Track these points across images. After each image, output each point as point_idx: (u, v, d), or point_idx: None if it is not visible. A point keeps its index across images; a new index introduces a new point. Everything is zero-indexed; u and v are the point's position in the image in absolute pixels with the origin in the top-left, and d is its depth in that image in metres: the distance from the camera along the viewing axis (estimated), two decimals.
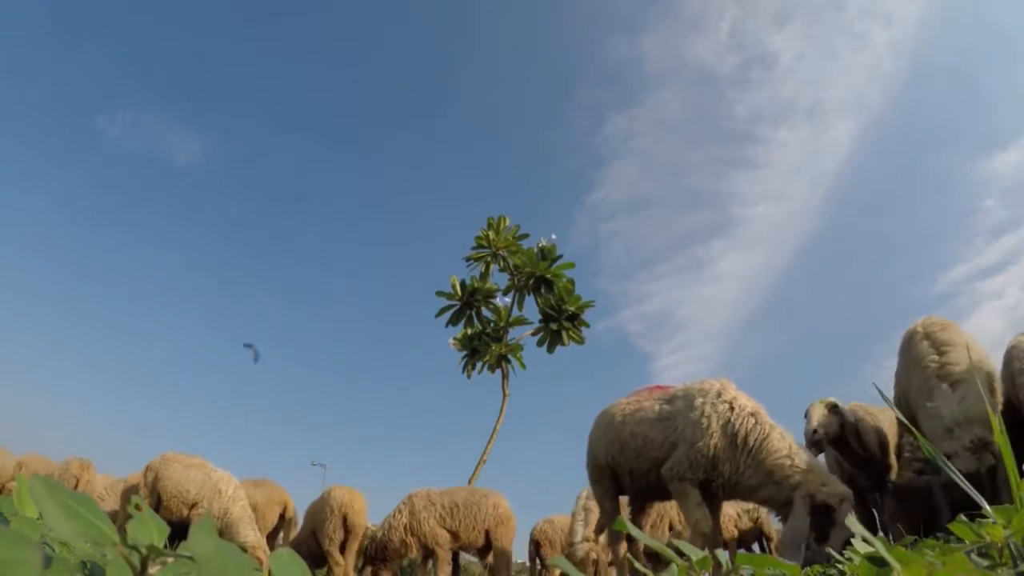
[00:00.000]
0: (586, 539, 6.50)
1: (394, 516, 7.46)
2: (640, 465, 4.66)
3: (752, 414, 4.17)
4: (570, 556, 6.54)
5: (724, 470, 4.11)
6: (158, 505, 7.02)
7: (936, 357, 4.17)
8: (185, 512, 7.00)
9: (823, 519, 3.63)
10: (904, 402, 4.47)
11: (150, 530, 0.58)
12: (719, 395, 4.33)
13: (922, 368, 4.19)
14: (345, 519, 7.50)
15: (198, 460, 7.41)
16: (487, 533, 7.36)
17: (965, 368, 3.95)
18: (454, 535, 7.28)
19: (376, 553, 7.38)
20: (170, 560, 0.59)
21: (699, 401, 4.34)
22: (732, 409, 4.20)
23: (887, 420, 5.20)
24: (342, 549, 7.49)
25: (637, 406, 4.84)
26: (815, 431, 4.83)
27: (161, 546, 0.56)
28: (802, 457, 3.93)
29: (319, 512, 7.58)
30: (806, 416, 4.99)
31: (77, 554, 0.67)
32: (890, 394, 4.73)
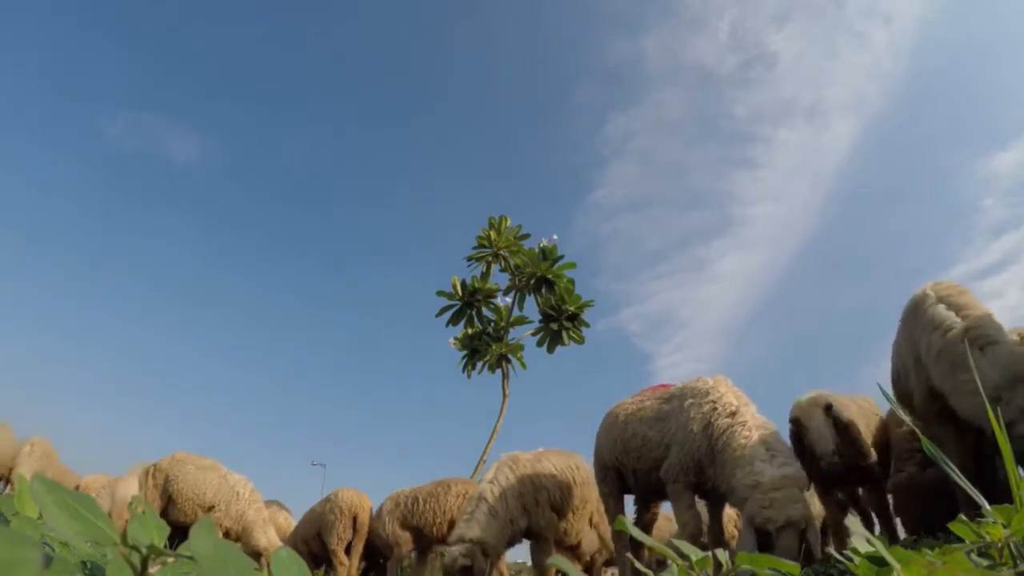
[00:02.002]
0: (460, 539, 4.87)
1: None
2: (642, 465, 4.61)
3: (730, 415, 3.93)
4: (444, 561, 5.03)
5: (711, 474, 3.92)
6: (169, 506, 6.93)
7: (958, 319, 3.51)
8: (200, 515, 6.92)
9: (766, 543, 3.32)
10: (904, 378, 3.95)
11: (150, 530, 0.58)
12: (706, 395, 4.15)
13: (943, 332, 3.52)
14: (355, 520, 7.55)
15: (211, 461, 7.34)
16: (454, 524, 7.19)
17: (995, 328, 3.35)
18: (416, 531, 7.19)
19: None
20: (170, 560, 0.59)
21: (688, 402, 4.23)
22: (715, 410, 4.01)
23: (858, 409, 4.75)
24: (347, 550, 7.53)
25: (639, 406, 4.80)
26: (834, 452, 4.07)
27: (161, 546, 0.56)
28: (761, 468, 3.50)
29: (327, 513, 7.61)
30: (797, 424, 4.29)
31: (77, 554, 0.67)
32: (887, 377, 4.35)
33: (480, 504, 5.13)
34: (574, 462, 5.65)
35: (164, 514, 6.85)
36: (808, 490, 3.85)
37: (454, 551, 4.81)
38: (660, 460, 4.37)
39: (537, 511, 5.32)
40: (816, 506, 5.42)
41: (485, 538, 4.91)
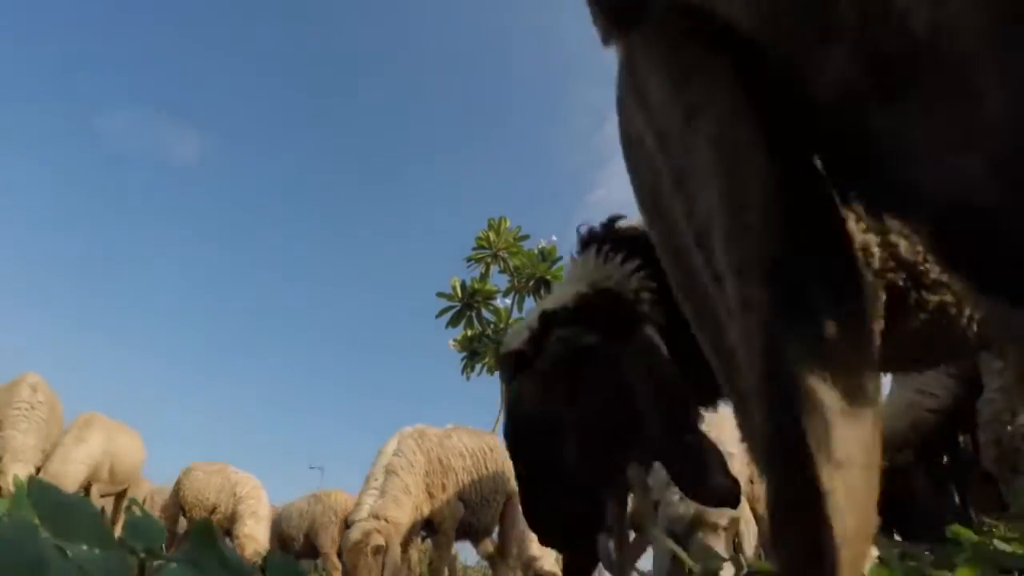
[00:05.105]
0: (374, 515, 4.17)
1: None
2: None
3: None
4: (344, 539, 4.36)
5: None
6: (182, 513, 7.30)
7: None
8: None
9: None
10: None
11: (147, 532, 0.58)
12: None
13: None
14: (346, 523, 7.58)
15: (219, 466, 7.65)
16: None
17: None
18: None
19: None
20: (167, 562, 0.59)
21: None
22: None
23: None
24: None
25: None
26: None
27: (159, 548, 0.56)
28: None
29: (321, 515, 7.65)
30: None
31: (75, 556, 0.67)
32: None
33: (391, 478, 4.33)
34: (487, 443, 4.95)
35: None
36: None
37: (367, 526, 4.06)
38: None
39: (443, 499, 4.50)
40: None
41: (401, 519, 4.25)
